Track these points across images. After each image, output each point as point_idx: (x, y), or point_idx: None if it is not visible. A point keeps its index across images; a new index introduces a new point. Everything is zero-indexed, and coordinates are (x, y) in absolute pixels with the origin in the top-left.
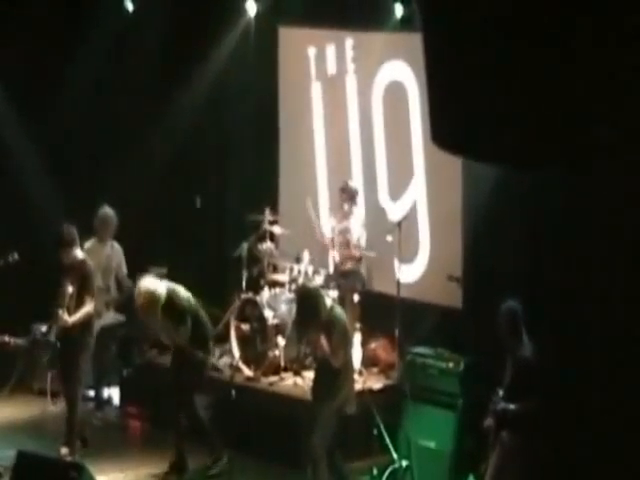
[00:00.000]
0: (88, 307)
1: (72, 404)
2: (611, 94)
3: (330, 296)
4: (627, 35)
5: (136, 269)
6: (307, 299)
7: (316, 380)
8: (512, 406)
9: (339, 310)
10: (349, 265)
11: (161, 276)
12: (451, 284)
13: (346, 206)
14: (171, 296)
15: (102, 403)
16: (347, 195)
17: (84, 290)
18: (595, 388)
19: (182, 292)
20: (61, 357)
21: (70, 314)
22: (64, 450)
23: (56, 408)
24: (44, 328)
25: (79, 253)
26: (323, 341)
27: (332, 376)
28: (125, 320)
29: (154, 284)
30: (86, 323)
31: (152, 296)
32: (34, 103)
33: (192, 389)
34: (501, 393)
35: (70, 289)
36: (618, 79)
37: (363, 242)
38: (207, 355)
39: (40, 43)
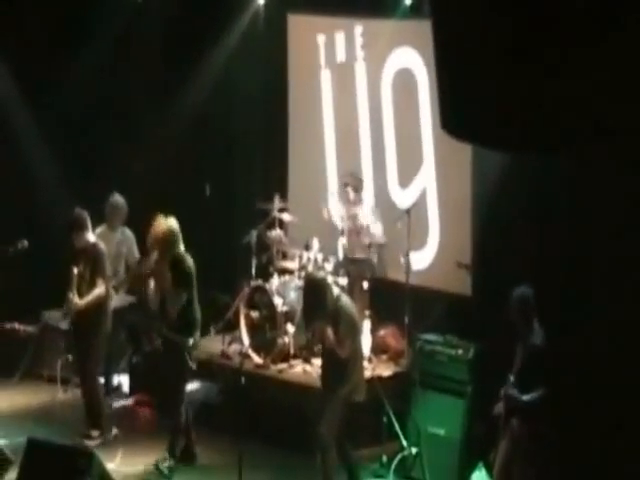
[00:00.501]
0: (100, 289)
1: (91, 389)
2: (623, 83)
3: (339, 284)
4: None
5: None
6: (313, 289)
7: (324, 369)
8: (524, 397)
9: (346, 299)
10: (358, 253)
11: None
12: (460, 271)
13: (351, 195)
14: (184, 256)
15: (111, 390)
16: (351, 187)
17: (96, 273)
18: (603, 374)
19: (192, 265)
20: (76, 342)
21: (82, 297)
22: (95, 432)
23: (66, 395)
24: (60, 315)
25: (91, 236)
26: (329, 332)
27: (340, 365)
28: (135, 302)
29: (178, 227)
30: (99, 305)
31: (172, 234)
32: (44, 89)
33: (178, 379)
34: (512, 379)
35: (76, 272)
36: (629, 67)
37: (376, 229)
38: (194, 344)
39: (50, 28)
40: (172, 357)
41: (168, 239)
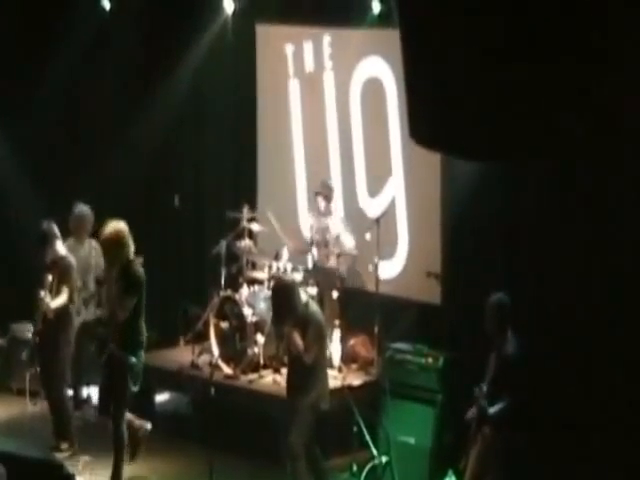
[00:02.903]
0: (65, 296)
1: (58, 401)
2: (582, 89)
3: (309, 293)
4: (598, 30)
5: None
6: (282, 292)
7: (290, 376)
8: (491, 410)
9: (315, 306)
10: (328, 263)
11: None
12: (430, 280)
13: (322, 205)
14: (133, 262)
15: (81, 402)
16: (323, 195)
17: (62, 283)
18: (576, 380)
19: (142, 273)
20: (40, 354)
21: (50, 299)
22: (64, 445)
23: (35, 408)
24: (28, 327)
25: (61, 249)
26: (296, 337)
27: (305, 372)
28: (104, 317)
29: (127, 230)
30: (63, 316)
31: (120, 236)
32: (11, 100)
33: (120, 398)
34: (485, 388)
35: (50, 278)
36: (588, 73)
37: (347, 241)
38: (137, 362)
39: (18, 38)
40: (114, 374)
41: (117, 242)
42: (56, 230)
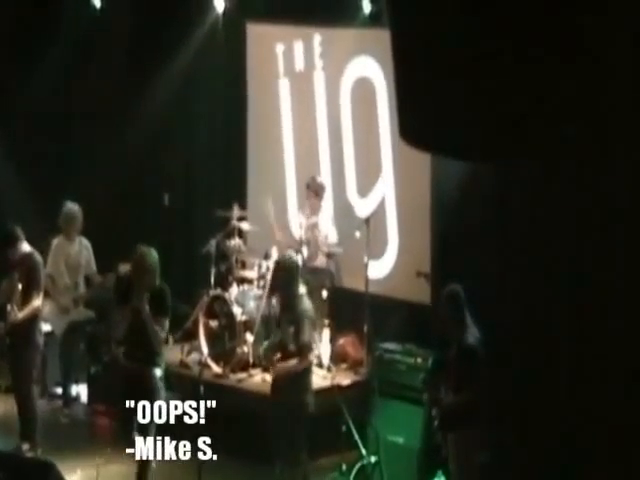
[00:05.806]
0: (35, 302)
1: (24, 401)
2: (579, 93)
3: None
4: (596, 36)
5: (104, 266)
6: (284, 268)
7: (280, 378)
8: (451, 399)
9: (308, 303)
10: (317, 262)
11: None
12: (420, 280)
13: (312, 200)
14: (165, 291)
15: (70, 400)
16: (312, 190)
17: (30, 286)
18: (561, 380)
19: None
20: (9, 355)
21: (18, 309)
22: (25, 446)
23: None
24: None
25: (26, 247)
26: (289, 364)
27: (298, 373)
28: (94, 317)
29: (154, 262)
30: (32, 319)
31: (156, 265)
32: (1, 98)
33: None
34: (443, 388)
35: (4, 285)
36: (586, 77)
37: (331, 238)
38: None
39: (9, 36)
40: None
41: (154, 270)
42: (19, 231)
